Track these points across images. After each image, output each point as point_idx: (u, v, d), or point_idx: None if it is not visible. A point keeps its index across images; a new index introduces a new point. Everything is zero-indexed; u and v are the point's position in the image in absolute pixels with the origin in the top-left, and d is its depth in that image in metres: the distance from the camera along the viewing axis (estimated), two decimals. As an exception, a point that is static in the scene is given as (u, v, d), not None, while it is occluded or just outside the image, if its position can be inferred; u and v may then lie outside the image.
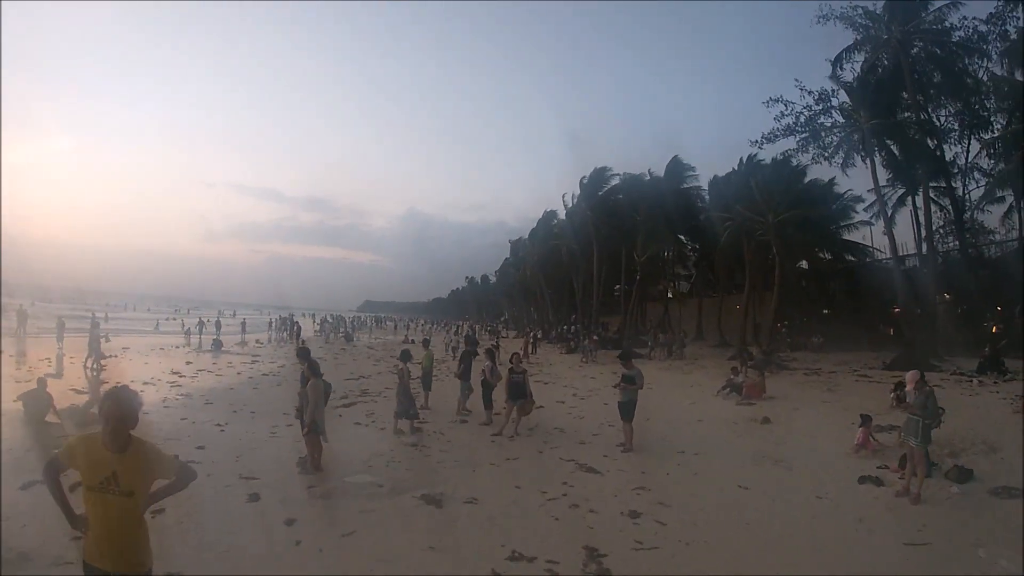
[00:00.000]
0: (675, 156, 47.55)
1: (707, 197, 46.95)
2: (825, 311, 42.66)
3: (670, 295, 58.60)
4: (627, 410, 12.90)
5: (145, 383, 19.79)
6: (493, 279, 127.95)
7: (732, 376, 21.81)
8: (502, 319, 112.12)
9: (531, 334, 47.38)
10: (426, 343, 19.45)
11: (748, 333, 38.64)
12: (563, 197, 55.87)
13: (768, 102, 32.84)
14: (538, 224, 68.42)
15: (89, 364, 22.68)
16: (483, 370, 15.33)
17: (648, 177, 48.59)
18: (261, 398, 18.10)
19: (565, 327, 54.86)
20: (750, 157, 39.09)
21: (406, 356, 16.88)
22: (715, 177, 45.99)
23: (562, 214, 60.05)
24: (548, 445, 13.10)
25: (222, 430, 13.48)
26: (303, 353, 10.70)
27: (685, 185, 47.61)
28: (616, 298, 58.35)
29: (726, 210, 39.12)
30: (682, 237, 49.27)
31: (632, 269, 51.02)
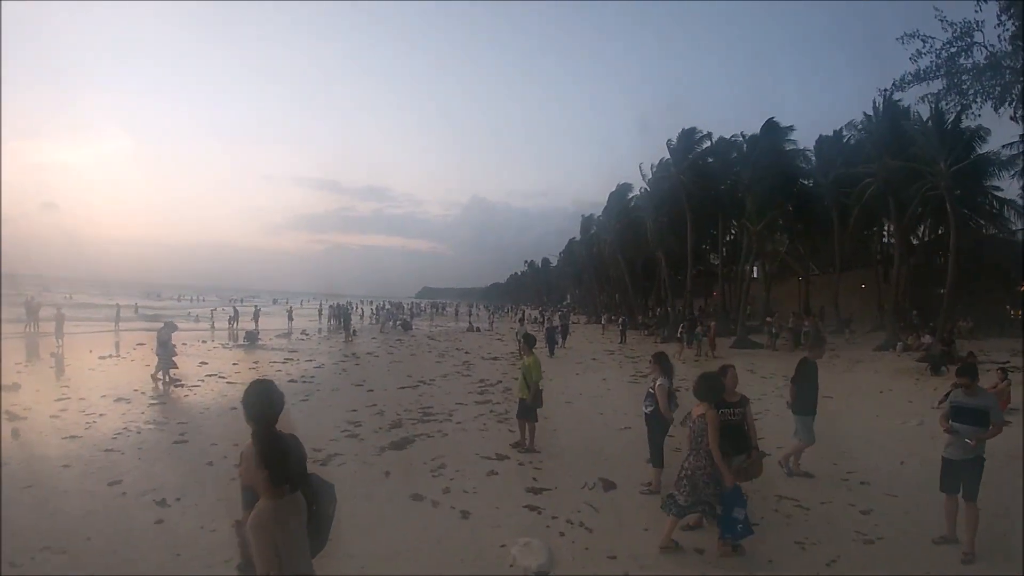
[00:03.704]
0: (771, 118, 40.93)
1: (813, 159, 40.99)
2: (941, 291, 35.50)
3: (755, 274, 51.79)
4: (972, 479, 6.47)
5: (118, 399, 14.19)
6: (554, 263, 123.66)
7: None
8: (565, 303, 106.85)
9: (621, 320, 40.99)
10: (529, 341, 11.54)
11: (887, 317, 31.44)
12: (640, 167, 49.77)
13: (903, 38, 25.84)
14: (610, 199, 61.60)
15: (160, 376, 16.99)
16: (649, 390, 8.40)
17: (742, 139, 42.26)
18: None
19: (659, 311, 48.43)
20: (886, 102, 31.72)
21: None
22: (821, 137, 40.88)
23: (638, 188, 54.34)
24: (821, 560, 6.27)
25: (160, 521, 6.99)
26: (255, 410, 3.54)
27: (785, 148, 40.97)
28: (695, 279, 52.14)
29: (851, 166, 33.23)
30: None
31: (731, 242, 45.62)
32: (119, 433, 11.00)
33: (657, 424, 8.06)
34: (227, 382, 17.34)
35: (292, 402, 14.15)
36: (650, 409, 8.07)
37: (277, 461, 3.19)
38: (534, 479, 8.60)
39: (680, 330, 29.10)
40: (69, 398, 14.16)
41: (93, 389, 15.40)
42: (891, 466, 9.59)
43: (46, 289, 59.92)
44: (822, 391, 9.58)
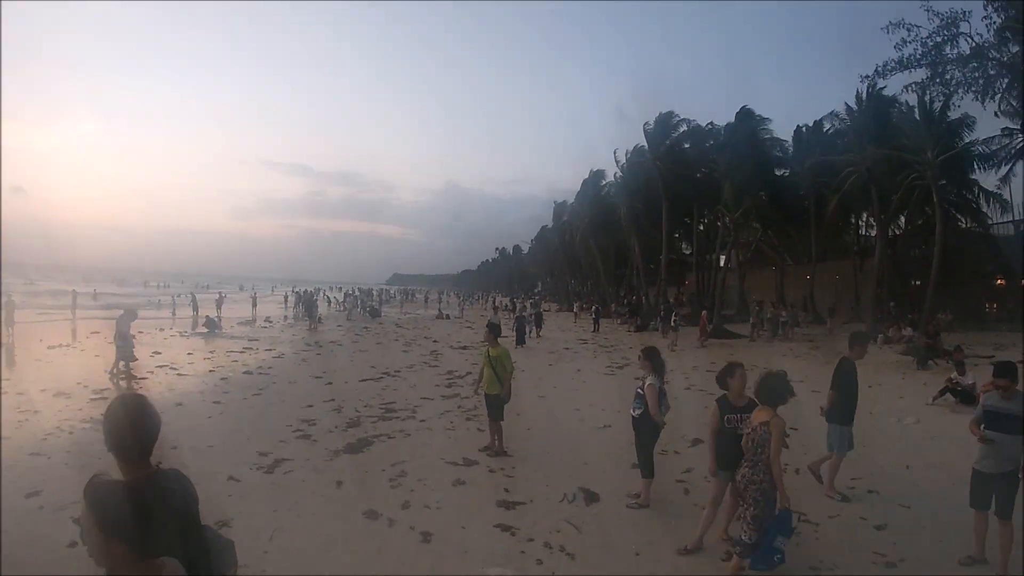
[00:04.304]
0: (744, 106, 40.53)
1: (790, 149, 41.37)
2: (915, 282, 35.79)
3: (724, 263, 51.89)
4: (1007, 494, 5.75)
5: (58, 394, 13.04)
6: (525, 250, 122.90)
7: (956, 375, 14.24)
8: (536, 290, 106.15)
9: (594, 308, 40.24)
10: (494, 329, 10.06)
11: (867, 308, 31.12)
12: (614, 153, 49.50)
13: (888, 27, 25.48)
14: (584, 185, 61.00)
15: (115, 370, 15.57)
16: (638, 390, 7.30)
17: (718, 128, 42.24)
18: (197, 447, 9.61)
19: (634, 298, 47.87)
20: (871, 91, 31.22)
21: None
22: (800, 126, 41.57)
23: (611, 175, 54.33)
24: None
25: (73, 544, 5.86)
26: (116, 440, 2.55)
27: (761, 137, 40.96)
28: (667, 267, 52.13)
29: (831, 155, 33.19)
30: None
31: (706, 230, 45.10)
32: (50, 434, 9.92)
33: (646, 429, 7.07)
34: (178, 374, 16.23)
35: (244, 396, 13.38)
36: (639, 412, 7.07)
37: (142, 526, 2.09)
38: (506, 490, 7.62)
39: (673, 318, 28.02)
40: (7, 393, 13.07)
41: (34, 382, 14.34)
42: (896, 471, 8.78)
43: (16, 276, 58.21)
44: (808, 385, 8.72)
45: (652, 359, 7.13)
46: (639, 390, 7.13)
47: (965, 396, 13.65)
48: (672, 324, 27.51)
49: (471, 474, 8.27)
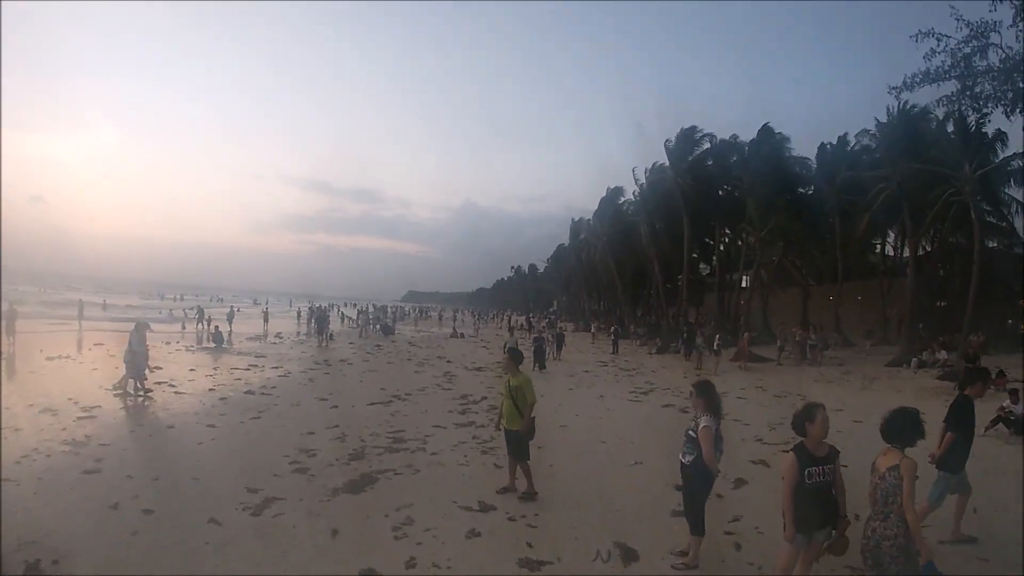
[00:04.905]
0: (766, 124, 40.19)
1: (814, 166, 40.20)
2: (940, 303, 35.46)
3: (750, 282, 50.73)
4: None
5: (45, 410, 12.17)
6: (541, 269, 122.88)
7: (1009, 403, 13.30)
8: (552, 309, 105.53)
9: (613, 328, 39.11)
10: (515, 356, 8.87)
11: (902, 331, 29.85)
12: (633, 170, 49.08)
13: (917, 36, 24.40)
14: (601, 203, 60.31)
15: (130, 387, 14.61)
16: (690, 432, 6.12)
17: (736, 142, 41.79)
18: (180, 479, 8.57)
19: (652, 319, 46.93)
20: (901, 106, 30.27)
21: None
22: (824, 143, 40.33)
23: (630, 192, 54.32)
24: None
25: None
26: None
27: (785, 154, 40.26)
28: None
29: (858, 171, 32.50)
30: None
31: (727, 249, 44.57)
32: (25, 456, 8.96)
33: (699, 478, 5.94)
34: (175, 392, 15.26)
35: (241, 419, 12.37)
36: (690, 458, 5.94)
37: None
38: (528, 544, 6.47)
39: (716, 341, 26.88)
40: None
41: (23, 397, 13.42)
42: (964, 515, 7.67)
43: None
44: (848, 414, 7.48)
45: (707, 395, 6.00)
46: (691, 432, 6.00)
47: (1019, 426, 12.78)
48: (714, 347, 26.33)
49: (488, 522, 7.13)
